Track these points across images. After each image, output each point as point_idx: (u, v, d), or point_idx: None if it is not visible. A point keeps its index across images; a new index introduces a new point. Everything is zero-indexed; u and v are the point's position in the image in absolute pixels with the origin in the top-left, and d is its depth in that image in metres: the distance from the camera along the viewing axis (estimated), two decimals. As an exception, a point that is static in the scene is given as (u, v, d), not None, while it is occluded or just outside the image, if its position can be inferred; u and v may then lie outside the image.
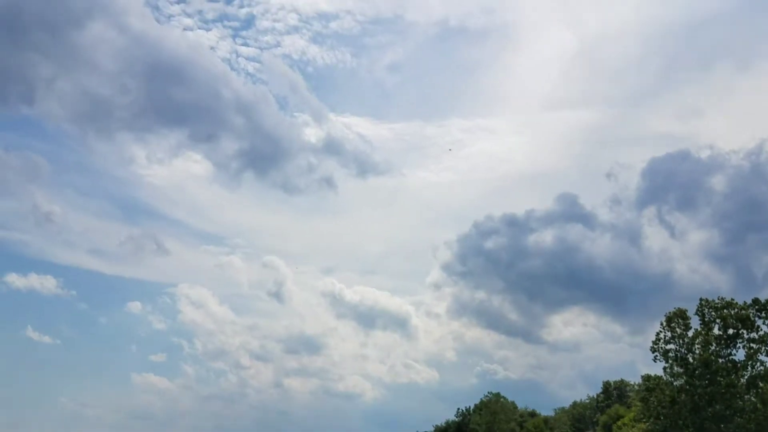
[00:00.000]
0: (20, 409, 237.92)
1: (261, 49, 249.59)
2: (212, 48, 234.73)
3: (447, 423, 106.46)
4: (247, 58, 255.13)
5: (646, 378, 50.25)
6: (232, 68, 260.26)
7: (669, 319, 49.85)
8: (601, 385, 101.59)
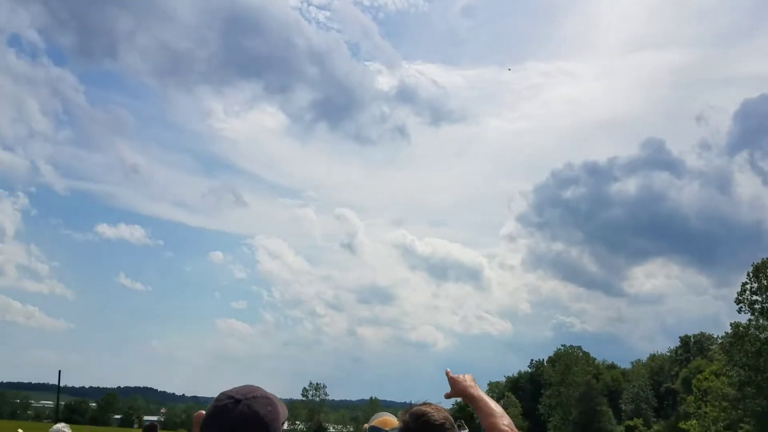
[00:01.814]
0: (117, 351, 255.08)
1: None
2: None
3: (519, 374, 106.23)
4: (318, 7, 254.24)
5: (736, 325, 48.32)
6: (304, 17, 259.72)
7: (756, 270, 47.80)
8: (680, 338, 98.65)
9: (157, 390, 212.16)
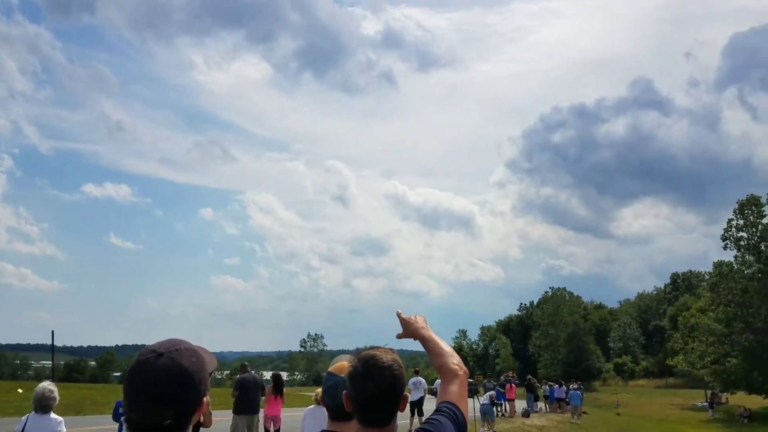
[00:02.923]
0: (113, 310, 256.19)
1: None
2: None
3: (510, 317, 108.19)
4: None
5: (719, 264, 48.86)
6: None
7: (741, 206, 47.93)
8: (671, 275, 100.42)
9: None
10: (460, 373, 2.13)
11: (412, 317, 2.36)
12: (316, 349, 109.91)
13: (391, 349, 2.03)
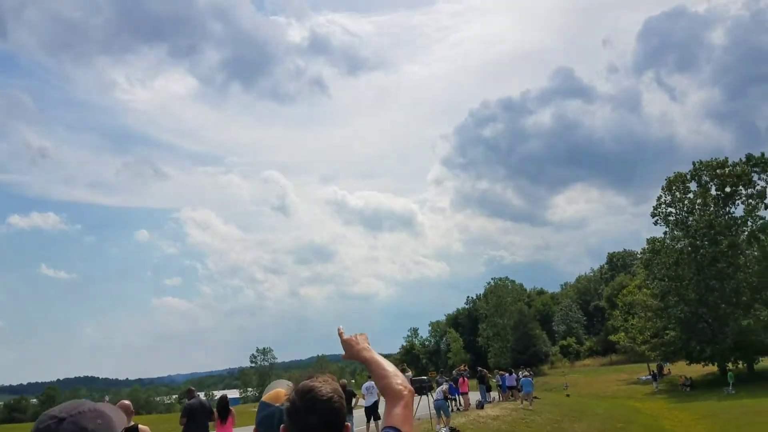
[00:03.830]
0: (49, 345, 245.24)
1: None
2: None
3: (458, 311, 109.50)
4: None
5: (651, 241, 50.65)
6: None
7: (669, 184, 49.82)
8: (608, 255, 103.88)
9: (98, 378, 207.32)
10: (405, 393, 2.06)
11: (353, 337, 2.25)
12: (266, 363, 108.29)
13: (330, 376, 1.94)
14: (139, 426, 6.78)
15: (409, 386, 2.09)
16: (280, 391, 2.29)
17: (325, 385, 1.86)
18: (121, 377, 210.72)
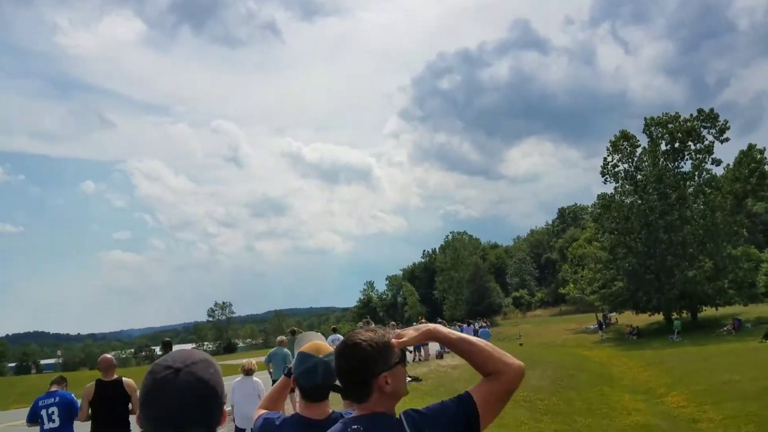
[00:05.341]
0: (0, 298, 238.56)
1: None
2: None
3: (414, 265, 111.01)
4: None
5: (602, 197, 51.78)
6: None
7: (614, 143, 50.74)
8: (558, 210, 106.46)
9: (49, 333, 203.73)
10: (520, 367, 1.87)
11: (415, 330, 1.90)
12: (224, 317, 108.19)
13: (374, 328, 1.88)
14: (124, 378, 6.72)
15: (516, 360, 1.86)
16: (318, 343, 2.35)
17: (369, 333, 1.86)
18: (72, 332, 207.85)
